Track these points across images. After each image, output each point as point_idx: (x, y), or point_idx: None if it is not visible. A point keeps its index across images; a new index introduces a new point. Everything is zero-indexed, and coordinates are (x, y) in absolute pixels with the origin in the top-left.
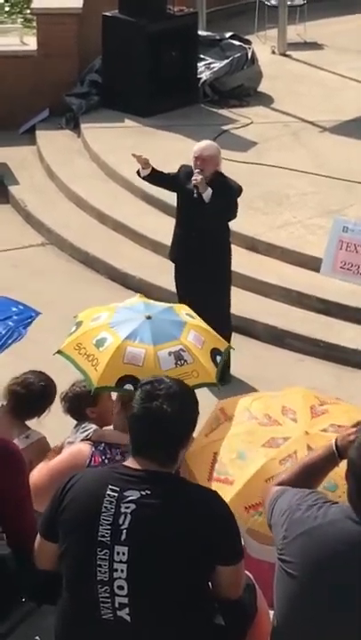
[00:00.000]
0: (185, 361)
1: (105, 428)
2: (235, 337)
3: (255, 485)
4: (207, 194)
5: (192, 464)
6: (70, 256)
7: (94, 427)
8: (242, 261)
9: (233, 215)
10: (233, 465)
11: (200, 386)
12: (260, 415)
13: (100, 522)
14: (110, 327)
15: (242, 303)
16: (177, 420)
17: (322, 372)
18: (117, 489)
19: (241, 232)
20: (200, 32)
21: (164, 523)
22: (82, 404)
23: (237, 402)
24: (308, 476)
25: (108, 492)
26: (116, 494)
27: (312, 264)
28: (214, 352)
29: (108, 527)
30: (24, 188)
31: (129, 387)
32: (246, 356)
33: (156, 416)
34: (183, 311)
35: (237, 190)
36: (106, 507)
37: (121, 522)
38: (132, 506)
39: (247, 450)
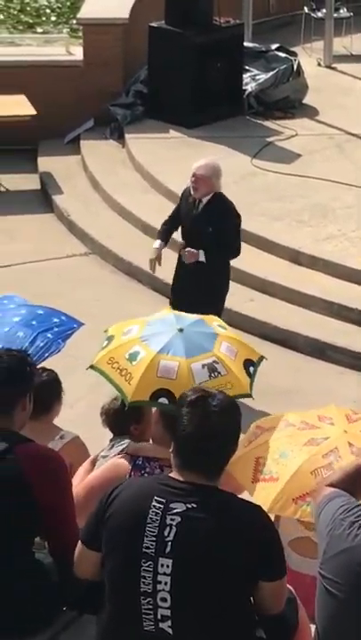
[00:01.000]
0: (219, 373)
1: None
2: (275, 348)
3: (301, 478)
4: (201, 256)
5: (234, 470)
6: (113, 266)
7: (127, 441)
8: (284, 274)
9: (234, 255)
10: (276, 464)
11: (235, 397)
12: (298, 422)
13: (145, 533)
14: (142, 341)
15: (283, 315)
16: (229, 435)
17: None
18: (163, 500)
19: (285, 244)
20: (246, 43)
21: (209, 536)
22: (127, 419)
23: (273, 418)
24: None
25: (154, 504)
26: (161, 506)
27: (355, 277)
28: (247, 363)
29: (153, 539)
30: (68, 197)
31: (163, 400)
32: (286, 368)
33: (211, 432)
34: (215, 322)
35: (236, 215)
36: (151, 518)
37: (166, 534)
38: (178, 518)
39: (289, 449)
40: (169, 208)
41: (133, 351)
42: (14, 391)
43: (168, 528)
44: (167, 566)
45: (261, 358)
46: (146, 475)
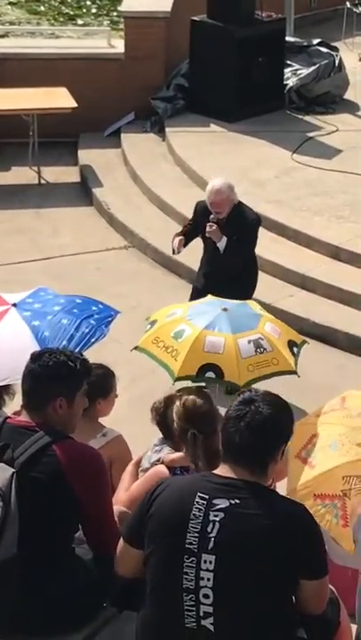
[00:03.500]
0: (264, 349)
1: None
2: (315, 345)
3: (332, 478)
4: (222, 243)
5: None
6: (153, 260)
7: (167, 449)
8: (324, 269)
9: (248, 254)
10: (322, 451)
11: (280, 373)
12: None
13: (188, 529)
14: (188, 320)
15: (323, 311)
16: (273, 424)
17: None
18: (206, 497)
19: (325, 240)
20: (288, 38)
21: (252, 533)
22: None
23: (359, 396)
24: None
25: (197, 500)
26: (205, 502)
27: None
28: (291, 343)
29: (196, 535)
30: (108, 190)
31: (210, 374)
32: (326, 364)
33: (253, 417)
34: (258, 306)
35: (256, 225)
36: (194, 514)
37: (209, 530)
38: (221, 514)
39: (340, 443)
40: None
41: (179, 329)
42: (46, 390)
43: (211, 524)
44: (210, 562)
45: (303, 342)
46: None
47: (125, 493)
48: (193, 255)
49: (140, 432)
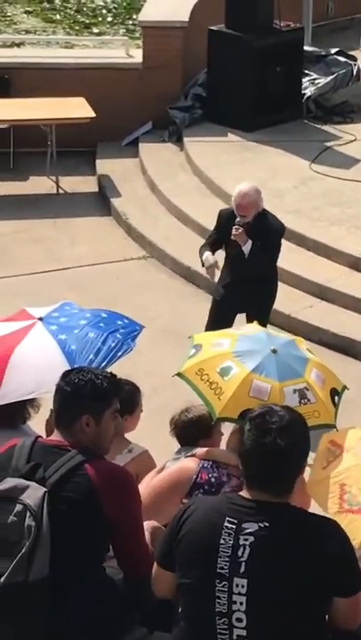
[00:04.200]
0: (308, 400)
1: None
2: (334, 355)
3: None
4: (247, 246)
5: (315, 496)
6: (171, 270)
7: (199, 448)
8: (344, 280)
9: (273, 260)
10: None
11: (320, 427)
12: None
13: (219, 554)
14: (235, 357)
15: (343, 322)
16: (291, 454)
17: None
18: (235, 521)
19: (344, 251)
20: (306, 47)
21: (283, 555)
22: (196, 434)
23: (347, 433)
24: None
25: (226, 524)
26: (233, 526)
27: None
28: (333, 392)
29: (227, 559)
30: (126, 200)
31: None
32: (345, 376)
33: (271, 452)
34: (304, 346)
35: (280, 232)
36: (224, 539)
37: (240, 554)
38: (251, 538)
39: None
40: None
41: (226, 366)
42: (73, 409)
43: (242, 548)
44: (242, 586)
45: (344, 388)
46: (213, 479)
47: (148, 486)
48: None
49: (159, 443)
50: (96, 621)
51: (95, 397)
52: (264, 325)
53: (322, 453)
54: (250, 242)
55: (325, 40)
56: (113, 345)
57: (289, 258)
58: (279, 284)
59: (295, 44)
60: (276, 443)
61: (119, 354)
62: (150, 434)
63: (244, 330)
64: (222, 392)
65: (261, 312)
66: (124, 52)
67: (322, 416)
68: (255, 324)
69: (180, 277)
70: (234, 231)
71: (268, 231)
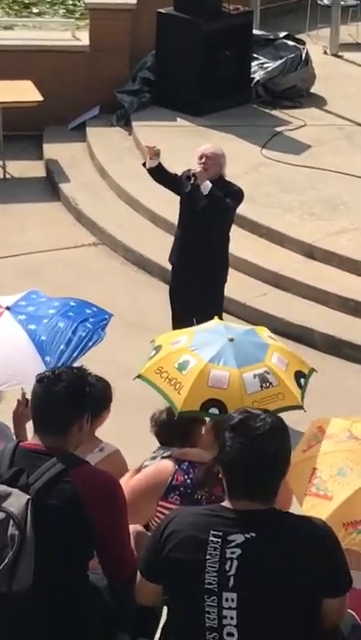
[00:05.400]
0: (270, 383)
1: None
2: (290, 344)
3: (355, 503)
4: (205, 185)
5: (289, 478)
6: (124, 257)
7: (175, 448)
8: (299, 268)
9: (230, 215)
10: (333, 482)
11: (286, 409)
12: None
13: (206, 569)
14: (192, 350)
15: (299, 311)
16: (280, 458)
17: None
18: (220, 534)
19: (298, 238)
20: (254, 31)
21: (272, 565)
22: (173, 435)
23: (336, 421)
24: None
25: (211, 539)
26: (219, 540)
27: None
28: (298, 375)
29: (215, 574)
30: (75, 185)
31: (214, 410)
32: None
33: (259, 459)
34: (265, 333)
35: (240, 193)
36: (210, 554)
37: (228, 568)
38: (238, 551)
39: (348, 468)
40: (177, 198)
41: (183, 360)
42: (72, 412)
43: (229, 562)
44: (232, 600)
45: (312, 370)
46: (189, 480)
47: (125, 487)
48: (164, 253)
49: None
50: (78, 627)
51: (90, 399)
52: (220, 317)
53: (306, 437)
54: (209, 183)
55: (272, 23)
56: (84, 335)
57: (243, 245)
58: (233, 271)
59: (244, 27)
60: (265, 449)
61: (90, 344)
62: (108, 423)
63: (202, 325)
64: (182, 386)
65: (214, 303)
66: (70, 34)
67: (287, 398)
68: (215, 319)
69: (133, 265)
70: (194, 171)
71: (228, 189)
